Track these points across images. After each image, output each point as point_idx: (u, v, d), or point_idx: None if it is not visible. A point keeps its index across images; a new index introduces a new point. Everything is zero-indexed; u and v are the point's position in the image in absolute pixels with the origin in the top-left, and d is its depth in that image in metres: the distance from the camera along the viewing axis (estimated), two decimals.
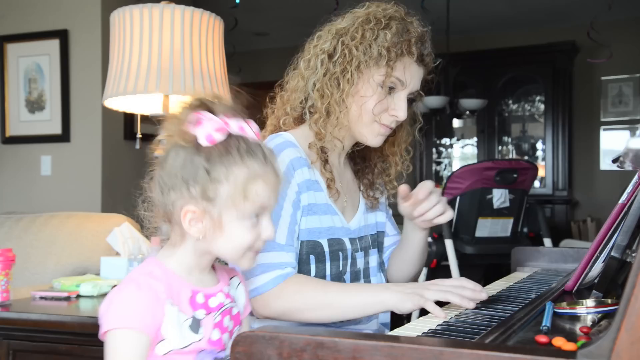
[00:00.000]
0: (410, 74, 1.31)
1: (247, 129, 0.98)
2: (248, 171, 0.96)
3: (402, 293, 1.16)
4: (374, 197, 1.47)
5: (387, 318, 1.44)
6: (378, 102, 1.30)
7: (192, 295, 0.98)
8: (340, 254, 1.32)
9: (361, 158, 1.49)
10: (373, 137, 1.34)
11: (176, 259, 1.01)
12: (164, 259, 1.01)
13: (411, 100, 1.36)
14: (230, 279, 1.09)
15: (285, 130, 1.37)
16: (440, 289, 1.13)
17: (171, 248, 1.02)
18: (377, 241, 1.47)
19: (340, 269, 1.32)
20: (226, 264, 1.13)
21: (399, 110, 1.31)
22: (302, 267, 1.27)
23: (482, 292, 1.12)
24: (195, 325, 0.97)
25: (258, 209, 0.98)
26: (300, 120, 1.39)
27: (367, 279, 1.41)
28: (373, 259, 1.44)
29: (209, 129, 0.94)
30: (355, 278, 1.36)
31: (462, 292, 1.11)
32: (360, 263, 1.38)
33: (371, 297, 1.18)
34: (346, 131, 1.35)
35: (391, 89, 1.31)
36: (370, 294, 1.19)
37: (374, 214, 1.48)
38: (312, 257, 1.28)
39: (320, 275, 1.29)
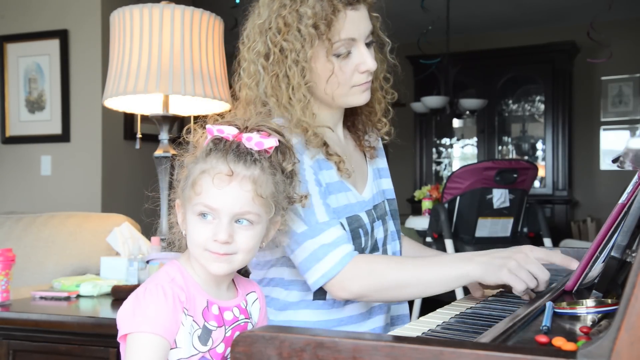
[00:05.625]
0: (353, 26, 1.21)
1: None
2: None
3: (489, 265, 1.11)
4: (370, 146, 1.40)
5: (405, 309, 1.42)
6: (342, 71, 1.22)
7: (207, 305, 0.98)
8: (360, 230, 1.26)
9: (349, 110, 1.39)
10: (358, 98, 1.27)
11: (194, 268, 1.02)
12: (184, 264, 1.02)
13: (370, 44, 1.26)
14: (248, 294, 1.08)
15: None
16: (524, 271, 1.10)
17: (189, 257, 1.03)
18: (389, 208, 1.41)
19: (362, 245, 1.26)
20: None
21: (367, 63, 1.23)
22: None
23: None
24: (205, 336, 0.97)
25: None
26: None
27: (384, 247, 1.35)
28: (391, 224, 1.39)
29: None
30: (374, 249, 1.30)
31: (537, 283, 1.09)
32: (378, 232, 1.33)
33: (454, 270, 1.13)
34: (326, 109, 1.29)
35: (347, 52, 1.22)
36: (453, 267, 1.14)
37: (379, 181, 1.42)
38: None
39: None
